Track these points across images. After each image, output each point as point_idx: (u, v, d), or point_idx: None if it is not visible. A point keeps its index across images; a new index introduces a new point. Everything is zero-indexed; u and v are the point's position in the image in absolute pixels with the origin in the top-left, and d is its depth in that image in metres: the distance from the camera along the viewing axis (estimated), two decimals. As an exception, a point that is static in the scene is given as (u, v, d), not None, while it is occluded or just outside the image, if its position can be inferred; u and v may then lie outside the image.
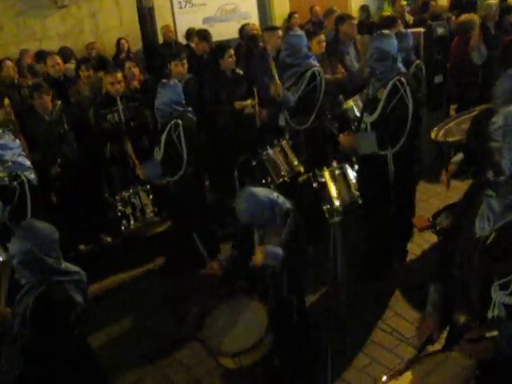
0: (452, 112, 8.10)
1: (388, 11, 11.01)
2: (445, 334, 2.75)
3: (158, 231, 5.63)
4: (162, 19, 10.83)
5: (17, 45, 9.38)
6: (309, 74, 5.65)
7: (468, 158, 4.43)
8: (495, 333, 2.26)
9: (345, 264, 4.61)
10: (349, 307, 4.88)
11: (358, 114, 5.75)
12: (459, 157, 4.54)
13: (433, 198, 6.41)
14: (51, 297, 3.05)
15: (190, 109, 5.44)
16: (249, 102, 6.52)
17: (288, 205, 3.69)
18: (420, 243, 5.52)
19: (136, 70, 6.94)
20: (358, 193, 5.15)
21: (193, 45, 8.61)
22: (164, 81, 5.44)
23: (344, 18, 7.40)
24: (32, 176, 4.54)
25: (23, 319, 3.06)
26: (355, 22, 7.46)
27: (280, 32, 7.07)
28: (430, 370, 2.47)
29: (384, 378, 2.53)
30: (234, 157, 6.48)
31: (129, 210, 5.44)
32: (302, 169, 5.59)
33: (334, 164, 5.28)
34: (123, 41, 9.66)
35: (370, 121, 4.85)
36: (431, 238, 5.32)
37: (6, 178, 4.36)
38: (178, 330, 4.84)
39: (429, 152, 6.79)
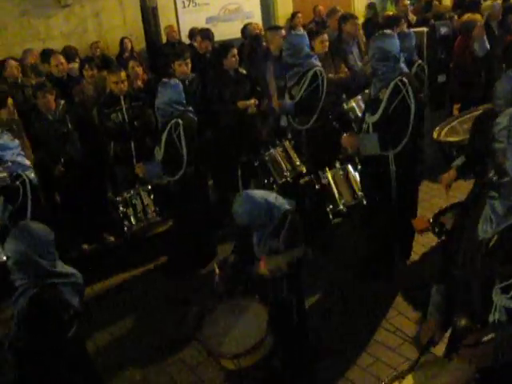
0: (455, 111, 8.07)
1: (391, 10, 11.02)
2: (447, 334, 2.76)
3: (159, 231, 5.64)
4: (165, 19, 10.84)
5: (20, 44, 9.39)
6: (310, 73, 5.64)
7: (470, 159, 4.41)
8: (492, 336, 2.25)
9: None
10: (351, 307, 4.91)
11: (359, 114, 5.75)
12: (459, 161, 4.51)
13: (435, 197, 6.40)
14: (44, 299, 3.04)
15: (190, 108, 5.44)
16: (252, 101, 6.54)
17: (286, 206, 3.67)
18: (423, 243, 5.52)
19: (139, 70, 6.95)
20: (361, 193, 5.16)
21: (196, 44, 8.62)
22: (164, 80, 5.44)
23: (347, 17, 7.40)
24: (32, 175, 4.56)
25: (18, 321, 3.07)
26: (358, 21, 7.46)
27: (283, 31, 7.09)
28: (431, 375, 2.46)
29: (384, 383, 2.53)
30: (238, 156, 6.51)
31: (130, 211, 5.44)
32: (304, 169, 5.59)
33: (337, 165, 5.29)
34: (126, 40, 9.67)
35: (371, 121, 4.83)
36: (435, 238, 5.31)
37: (8, 178, 4.37)
38: (180, 330, 4.85)
39: (431, 152, 6.78)
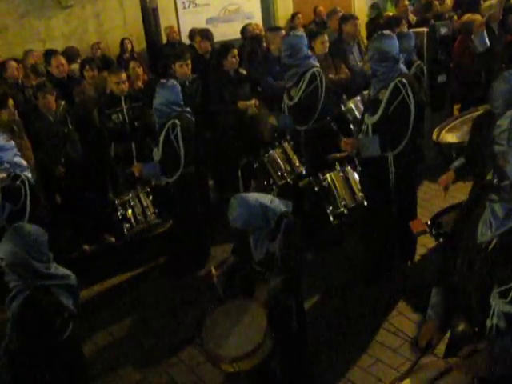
0: (455, 112, 8.09)
1: (391, 11, 11.03)
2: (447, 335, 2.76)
3: (160, 232, 5.64)
4: (165, 20, 10.84)
5: (21, 45, 9.40)
6: (309, 74, 5.62)
7: (470, 160, 4.39)
8: (486, 344, 2.22)
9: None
10: (351, 308, 4.91)
11: (357, 115, 5.75)
12: (458, 162, 4.50)
13: (435, 198, 6.39)
14: (37, 302, 3.05)
15: (188, 109, 5.44)
16: (252, 101, 6.54)
17: (282, 208, 3.63)
18: (424, 243, 5.51)
19: (140, 70, 6.96)
20: (361, 194, 5.15)
21: (195, 44, 8.62)
22: (162, 81, 5.45)
23: (347, 18, 7.41)
24: (29, 175, 4.56)
25: (12, 323, 3.07)
26: (358, 22, 7.46)
27: (283, 32, 7.10)
28: (429, 380, 2.45)
29: None
30: (238, 156, 6.51)
31: (130, 213, 5.43)
32: (303, 170, 5.58)
33: (337, 166, 5.28)
34: (127, 41, 9.68)
35: (371, 122, 4.81)
36: (435, 239, 5.33)
37: (8, 179, 4.37)
38: (181, 330, 4.86)
39: (431, 152, 6.79)
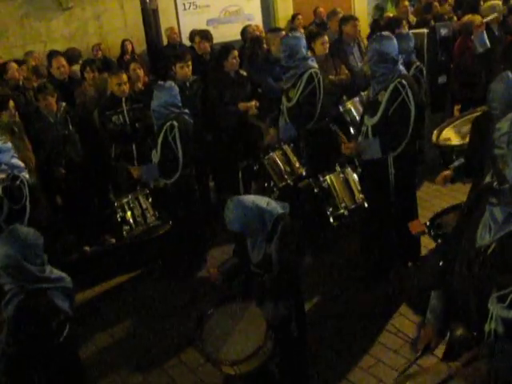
0: (456, 113, 8.10)
1: (392, 12, 11.04)
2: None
3: (160, 234, 5.63)
4: (166, 21, 10.87)
5: (22, 47, 9.44)
6: (306, 75, 5.60)
7: (469, 161, 4.37)
8: (485, 351, 2.20)
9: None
10: (352, 309, 4.91)
11: (356, 116, 5.74)
12: (458, 162, 4.47)
13: (436, 198, 6.40)
14: (31, 305, 3.04)
15: (186, 110, 5.43)
16: (253, 103, 6.55)
17: (279, 210, 3.61)
18: (424, 244, 5.51)
19: (141, 72, 6.95)
20: (362, 196, 5.14)
21: (195, 45, 8.62)
22: (160, 83, 5.45)
23: (347, 19, 7.42)
24: (27, 176, 4.57)
25: (8, 327, 3.07)
26: (358, 23, 7.47)
27: (284, 33, 7.09)
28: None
29: None
30: (238, 158, 6.51)
31: (129, 216, 5.42)
32: (303, 171, 5.57)
33: (337, 168, 5.27)
34: (127, 42, 9.69)
35: (371, 124, 4.80)
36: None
37: (8, 179, 4.38)
38: (182, 332, 4.86)
39: (431, 153, 6.79)
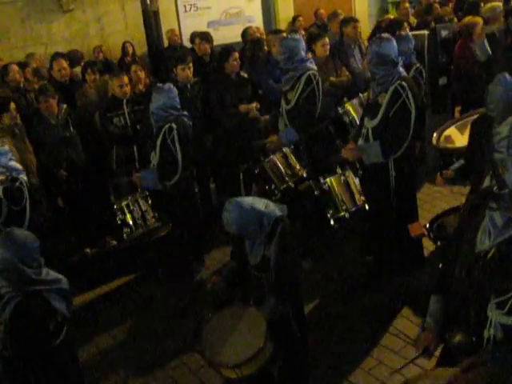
0: (456, 114, 8.10)
1: (392, 14, 11.05)
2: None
3: (160, 236, 5.63)
4: (166, 23, 10.89)
5: (23, 49, 9.45)
6: (304, 77, 5.58)
7: (469, 163, 4.36)
8: (485, 357, 2.18)
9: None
10: (354, 310, 4.91)
11: (354, 118, 5.74)
12: (458, 164, 4.47)
13: (437, 199, 6.41)
14: (28, 308, 3.04)
15: (185, 113, 5.42)
16: (253, 104, 6.55)
17: (277, 212, 3.59)
18: (425, 245, 5.51)
19: (142, 74, 6.96)
20: (362, 198, 5.13)
21: (195, 47, 8.63)
22: (159, 85, 5.44)
23: (348, 20, 7.43)
24: (25, 178, 4.59)
25: (5, 330, 3.06)
26: (359, 24, 7.48)
27: (284, 35, 7.10)
28: None
29: None
30: (239, 160, 6.50)
31: (129, 218, 5.41)
32: (304, 173, 5.56)
33: (338, 170, 5.26)
34: (128, 44, 9.70)
35: (371, 126, 4.79)
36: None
37: (8, 181, 4.39)
38: (183, 333, 4.86)
39: (432, 154, 6.79)
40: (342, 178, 5.17)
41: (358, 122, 5.61)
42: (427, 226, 4.34)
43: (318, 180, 5.25)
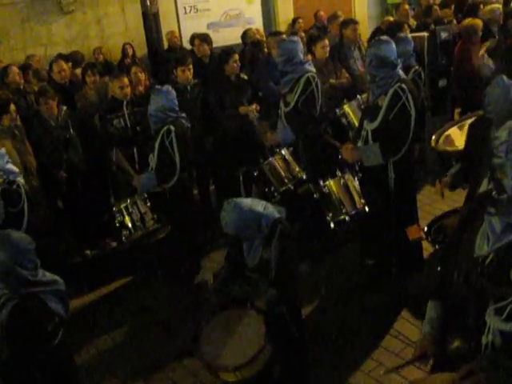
0: (456, 116, 8.11)
1: (391, 15, 11.06)
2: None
3: (159, 238, 5.63)
4: (166, 25, 10.89)
5: (23, 50, 9.46)
6: (303, 80, 5.58)
7: (465, 166, 4.33)
8: (484, 364, 2.15)
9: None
10: (353, 312, 4.91)
11: (352, 120, 5.72)
12: (454, 169, 4.45)
13: (437, 202, 6.39)
14: (25, 310, 3.04)
15: (183, 115, 5.42)
16: (253, 107, 6.54)
17: (276, 214, 3.60)
18: (426, 247, 5.51)
19: (142, 75, 6.96)
20: (362, 201, 5.12)
21: (194, 48, 8.64)
22: (157, 87, 5.44)
23: (348, 22, 7.44)
24: (23, 181, 4.61)
25: (1, 333, 3.06)
26: (359, 26, 7.49)
27: (284, 37, 7.10)
28: None
29: None
30: (239, 162, 6.50)
31: (128, 220, 5.39)
32: (304, 175, 5.56)
33: (338, 173, 5.24)
34: (128, 46, 9.70)
35: (370, 128, 4.77)
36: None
37: (5, 184, 4.40)
38: (183, 335, 4.86)
39: (433, 156, 6.79)
40: (342, 180, 5.14)
41: (355, 124, 5.61)
42: (425, 229, 4.33)
43: (318, 183, 5.23)
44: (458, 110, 8.34)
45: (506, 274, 2.12)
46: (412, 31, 8.11)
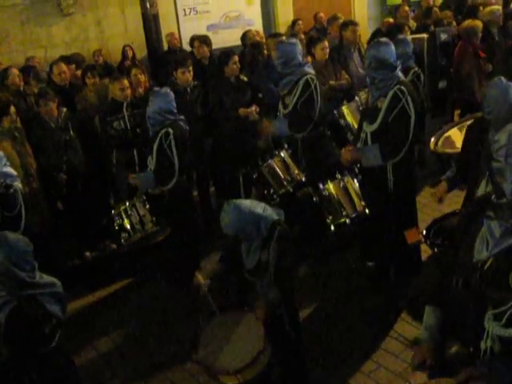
0: (456, 117, 8.12)
1: (391, 17, 11.07)
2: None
3: (159, 240, 5.63)
4: (166, 26, 10.89)
5: (23, 52, 9.46)
6: (302, 82, 5.57)
7: (462, 169, 4.32)
8: (483, 370, 2.14)
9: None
10: (353, 314, 4.91)
11: (350, 121, 5.73)
12: (450, 172, 4.43)
13: (436, 203, 6.39)
14: (23, 312, 3.04)
15: (181, 117, 5.40)
16: (253, 108, 6.54)
17: (275, 216, 3.61)
18: (425, 249, 5.51)
19: (142, 77, 6.97)
20: (363, 203, 5.11)
21: (194, 50, 8.64)
22: (156, 89, 5.44)
23: (348, 24, 7.44)
24: (20, 185, 4.60)
25: (0, 335, 3.06)
26: (358, 28, 7.50)
27: (284, 38, 7.11)
28: None
29: None
30: (239, 164, 6.50)
31: (127, 223, 5.38)
32: (303, 177, 5.55)
33: (338, 175, 5.24)
34: (128, 48, 9.71)
35: (369, 130, 4.77)
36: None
37: (1, 187, 4.40)
38: (183, 336, 4.86)
39: (432, 157, 6.80)
40: (342, 183, 5.14)
41: (354, 126, 5.61)
42: (424, 232, 4.31)
43: (317, 186, 5.22)
44: (457, 112, 8.34)
45: (505, 279, 2.10)
46: (412, 33, 8.12)
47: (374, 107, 4.76)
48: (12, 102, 6.07)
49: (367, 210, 5.04)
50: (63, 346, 3.36)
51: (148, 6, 10.57)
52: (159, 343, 4.93)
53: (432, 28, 8.53)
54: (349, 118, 5.81)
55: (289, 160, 5.55)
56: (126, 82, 6.19)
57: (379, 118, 4.67)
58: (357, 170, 5.19)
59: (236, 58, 6.66)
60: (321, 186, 5.15)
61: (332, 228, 5.07)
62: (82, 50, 9.82)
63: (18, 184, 4.58)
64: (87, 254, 6.52)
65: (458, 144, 5.29)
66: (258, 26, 11.79)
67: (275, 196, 5.49)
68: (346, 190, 5.11)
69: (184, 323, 5.08)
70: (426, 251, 5.43)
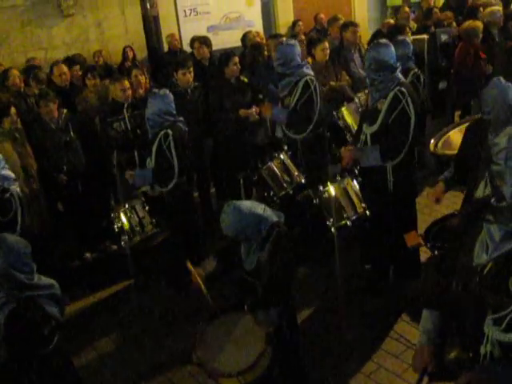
0: (456, 118, 8.12)
1: (391, 18, 11.07)
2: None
3: (159, 241, 5.62)
4: (166, 27, 10.88)
5: (23, 54, 9.46)
6: (302, 83, 5.58)
7: (460, 170, 4.30)
8: (482, 375, 2.13)
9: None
10: (354, 314, 4.91)
11: (349, 122, 5.72)
12: (447, 173, 4.41)
13: (436, 204, 6.39)
14: (22, 314, 3.05)
15: (181, 118, 5.40)
16: (253, 109, 6.54)
17: (274, 218, 3.60)
18: (424, 250, 5.50)
19: (142, 78, 6.97)
20: (363, 205, 5.10)
21: (194, 51, 8.64)
22: (154, 90, 5.43)
23: (348, 25, 7.45)
24: (18, 189, 4.60)
25: None
26: (359, 29, 7.50)
27: (284, 39, 7.11)
28: None
29: None
30: (240, 164, 6.50)
31: (126, 225, 5.36)
32: (302, 179, 5.54)
33: (338, 177, 5.23)
34: (128, 49, 9.71)
35: (369, 132, 4.77)
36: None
37: None
38: (183, 337, 4.86)
39: (432, 158, 6.79)
40: (342, 185, 5.13)
41: (353, 127, 5.61)
42: (423, 235, 4.30)
43: (317, 188, 5.21)
44: (458, 113, 8.35)
45: (505, 283, 2.09)
46: (412, 34, 8.13)
47: (373, 109, 4.75)
48: (12, 103, 6.09)
49: (368, 212, 5.02)
50: (62, 347, 3.37)
51: (148, 7, 10.57)
52: (159, 343, 4.93)
53: (432, 29, 8.53)
54: (348, 120, 5.80)
55: (288, 162, 5.54)
56: (126, 82, 6.20)
57: (379, 119, 4.67)
58: (357, 172, 5.18)
59: (236, 59, 6.67)
60: (321, 187, 5.13)
61: (333, 230, 5.05)
62: (83, 51, 9.80)
63: (15, 187, 4.57)
64: (87, 255, 6.53)
65: (458, 145, 5.30)
66: (258, 27, 11.78)
67: (275, 198, 5.48)
68: (345, 192, 5.09)
69: (184, 324, 5.08)
70: (426, 252, 5.44)
